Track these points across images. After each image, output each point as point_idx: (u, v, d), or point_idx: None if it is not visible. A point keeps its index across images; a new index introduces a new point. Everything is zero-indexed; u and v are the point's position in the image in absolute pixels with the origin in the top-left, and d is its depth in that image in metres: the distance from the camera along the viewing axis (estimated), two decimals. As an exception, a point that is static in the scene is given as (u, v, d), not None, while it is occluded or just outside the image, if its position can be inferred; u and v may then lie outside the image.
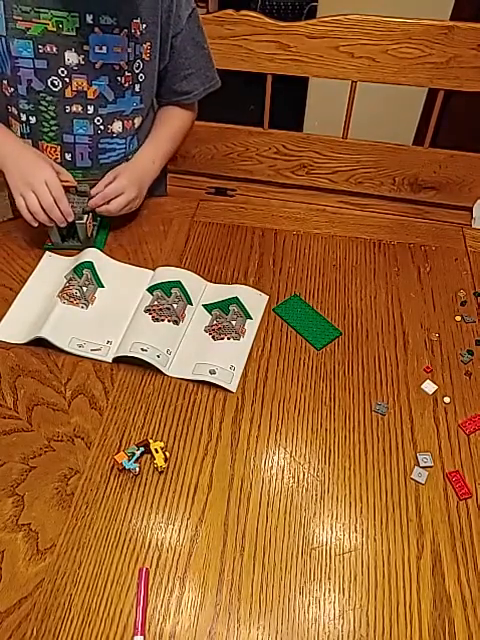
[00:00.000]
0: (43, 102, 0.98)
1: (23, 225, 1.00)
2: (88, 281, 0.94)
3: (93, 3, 0.91)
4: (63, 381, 0.82)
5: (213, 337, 0.88)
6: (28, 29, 0.91)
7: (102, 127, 1.03)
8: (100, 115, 1.02)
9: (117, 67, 0.98)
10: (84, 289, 0.92)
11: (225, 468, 0.74)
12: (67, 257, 1.00)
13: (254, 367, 0.85)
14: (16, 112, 1.00)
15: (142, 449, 0.74)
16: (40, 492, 0.71)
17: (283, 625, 0.62)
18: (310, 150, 1.49)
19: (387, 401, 0.81)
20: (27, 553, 0.66)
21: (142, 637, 0.60)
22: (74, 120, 1.01)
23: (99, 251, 0.99)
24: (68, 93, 0.97)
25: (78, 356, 0.85)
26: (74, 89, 0.97)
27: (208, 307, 0.93)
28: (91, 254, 0.98)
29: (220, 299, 0.93)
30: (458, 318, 0.93)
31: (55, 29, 0.91)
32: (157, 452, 0.73)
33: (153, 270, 0.97)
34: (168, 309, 0.90)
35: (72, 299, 0.91)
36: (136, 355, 0.82)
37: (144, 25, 0.97)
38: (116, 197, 1.00)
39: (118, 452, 0.74)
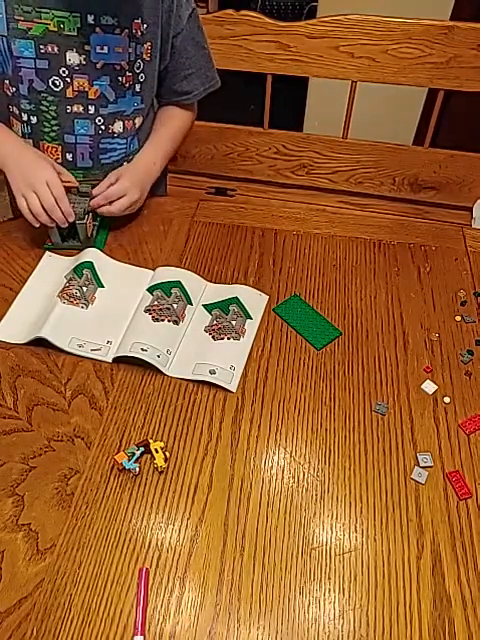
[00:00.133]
0: (44, 102, 0.98)
1: (23, 225, 1.00)
2: (88, 281, 0.94)
3: (94, 3, 0.91)
4: (63, 381, 0.82)
5: (213, 337, 0.88)
6: (29, 29, 0.91)
7: (103, 127, 1.03)
8: (101, 115, 1.02)
9: (118, 67, 0.98)
10: (84, 289, 0.92)
11: (225, 468, 0.74)
12: (67, 257, 1.00)
13: (254, 367, 0.85)
14: (17, 112, 1.00)
15: (142, 449, 0.74)
16: (40, 492, 0.71)
17: (283, 625, 0.62)
18: (310, 150, 1.49)
19: (387, 401, 0.81)
20: (27, 553, 0.66)
21: (142, 637, 0.60)
22: (75, 120, 1.01)
23: (99, 251, 0.99)
24: (69, 93, 0.97)
25: (78, 356, 0.85)
26: (75, 89, 0.97)
27: (208, 307, 0.93)
28: (91, 254, 0.98)
29: (220, 299, 0.93)
30: (458, 318, 0.93)
31: (56, 29, 0.91)
32: (157, 452, 0.73)
33: (153, 270, 0.97)
34: (168, 309, 0.90)
35: (72, 299, 0.91)
36: (136, 355, 0.82)
37: (145, 25, 0.97)
38: (119, 199, 1.00)
39: (118, 452, 0.74)
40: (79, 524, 0.68)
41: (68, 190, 0.96)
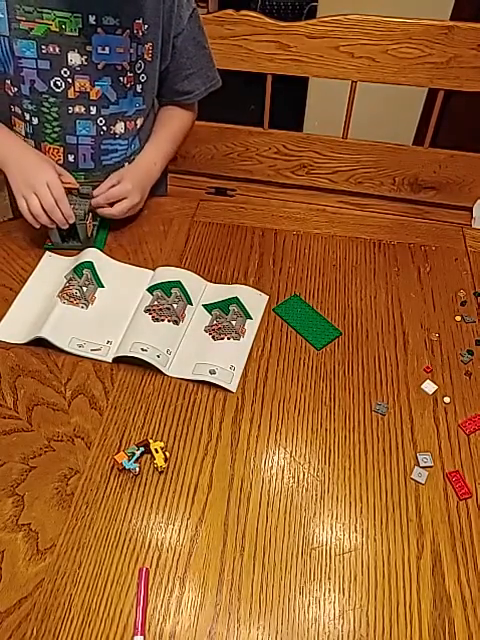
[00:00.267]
0: (46, 103, 0.98)
1: (23, 225, 1.00)
2: (88, 281, 0.94)
3: (96, 4, 0.91)
4: (63, 381, 0.82)
5: (213, 337, 0.88)
6: (31, 29, 0.91)
7: (105, 128, 1.03)
8: (103, 116, 1.02)
9: (119, 68, 0.98)
10: (84, 289, 0.92)
11: (225, 468, 0.74)
12: (67, 257, 1.00)
13: (254, 367, 0.85)
14: (20, 112, 1.00)
15: (142, 449, 0.74)
16: (40, 492, 0.71)
17: (283, 625, 0.62)
18: (310, 150, 1.49)
19: (387, 401, 0.81)
20: (27, 553, 0.66)
21: (142, 637, 0.60)
22: (77, 121, 1.01)
23: (99, 251, 0.99)
24: (71, 94, 0.97)
25: (78, 356, 0.85)
26: (77, 90, 0.97)
27: (208, 307, 0.93)
28: (91, 254, 0.98)
29: (220, 299, 0.93)
30: (458, 318, 0.93)
31: (58, 30, 0.91)
32: (157, 452, 0.73)
33: (153, 270, 0.97)
34: (168, 309, 0.90)
35: (72, 299, 0.91)
36: (136, 355, 0.82)
37: (146, 26, 0.97)
38: (120, 201, 1.00)
39: (118, 452, 0.74)
40: (79, 524, 0.68)
41: (68, 191, 0.96)
